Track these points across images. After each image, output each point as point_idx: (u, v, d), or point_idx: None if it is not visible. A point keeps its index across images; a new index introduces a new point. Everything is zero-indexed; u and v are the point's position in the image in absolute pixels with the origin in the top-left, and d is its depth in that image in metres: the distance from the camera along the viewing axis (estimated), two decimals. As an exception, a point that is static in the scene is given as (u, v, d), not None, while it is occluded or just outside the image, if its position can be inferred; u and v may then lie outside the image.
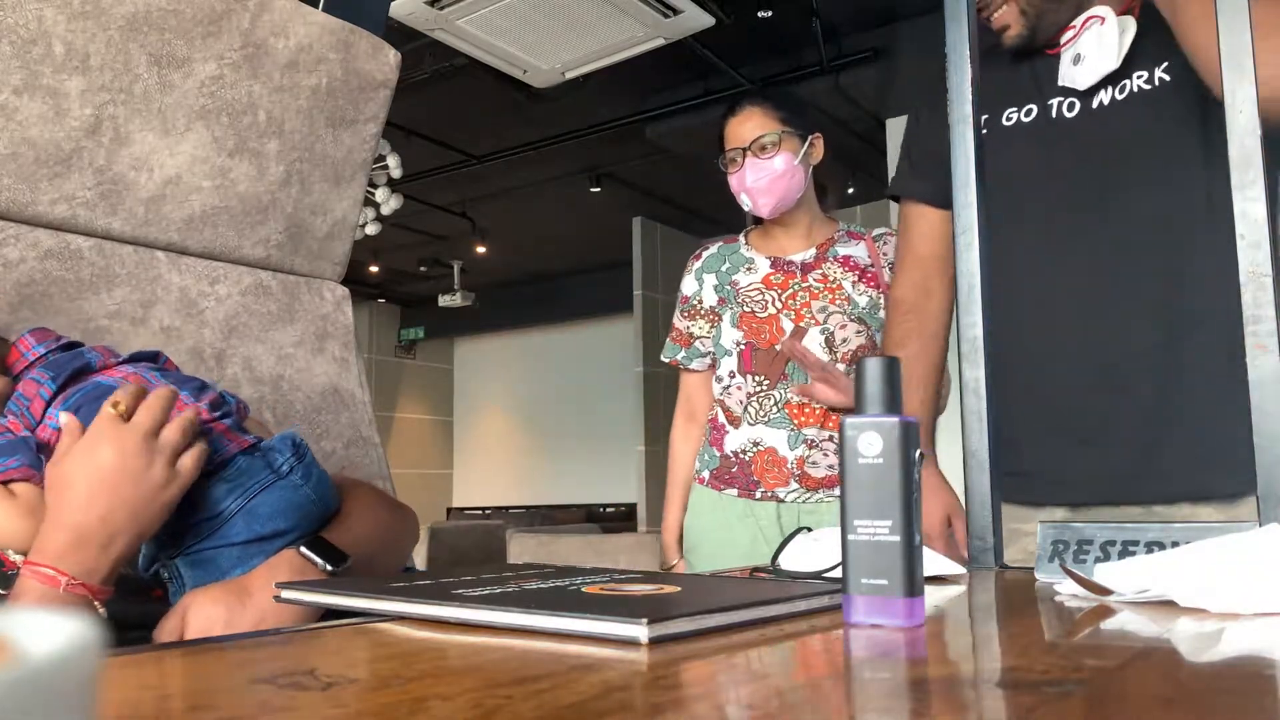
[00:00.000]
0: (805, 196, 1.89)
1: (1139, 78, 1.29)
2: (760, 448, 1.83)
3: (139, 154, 1.20)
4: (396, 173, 4.94)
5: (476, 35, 3.71)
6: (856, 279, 1.86)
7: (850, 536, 0.58)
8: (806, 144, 1.87)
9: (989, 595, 0.83)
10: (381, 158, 4.90)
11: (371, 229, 5.44)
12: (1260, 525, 0.79)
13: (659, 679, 0.43)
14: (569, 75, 4.12)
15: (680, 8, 3.61)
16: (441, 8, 3.53)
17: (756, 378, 1.84)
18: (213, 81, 1.24)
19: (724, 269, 1.94)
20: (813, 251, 1.90)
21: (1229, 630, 0.57)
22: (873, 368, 0.60)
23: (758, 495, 1.82)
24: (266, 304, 1.35)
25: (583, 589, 0.64)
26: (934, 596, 0.75)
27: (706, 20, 3.72)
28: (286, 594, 0.69)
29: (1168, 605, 0.65)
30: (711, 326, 1.93)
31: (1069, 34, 1.34)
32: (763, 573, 0.91)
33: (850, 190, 5.76)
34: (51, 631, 0.18)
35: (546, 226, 7.55)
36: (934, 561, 0.86)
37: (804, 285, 1.86)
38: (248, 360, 1.30)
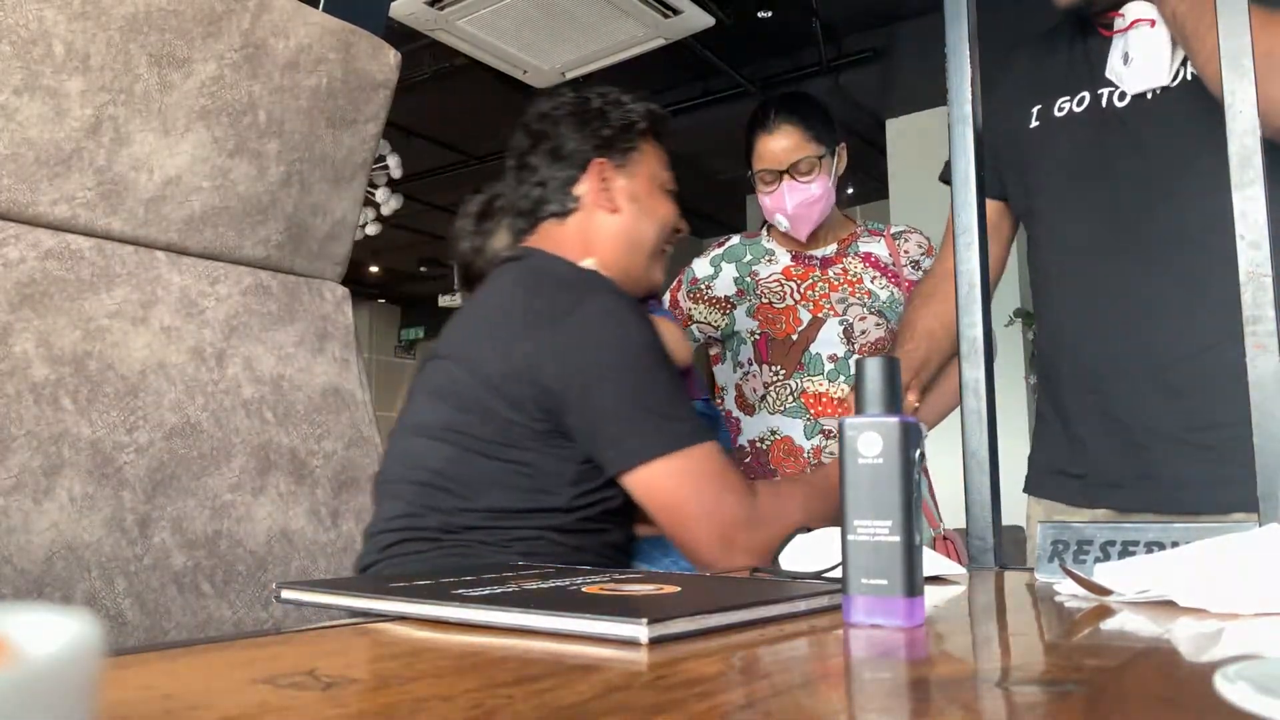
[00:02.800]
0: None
1: (1189, 65, 1.24)
2: (777, 437, 1.83)
3: (139, 154, 1.20)
4: (396, 173, 4.94)
5: (476, 35, 3.71)
6: (877, 274, 1.86)
7: (850, 536, 0.58)
8: (835, 158, 1.86)
9: (989, 595, 0.83)
10: (381, 158, 4.90)
11: (371, 229, 5.44)
12: (1260, 525, 0.79)
13: (659, 679, 0.43)
14: (569, 75, 4.11)
15: (680, 8, 3.61)
16: (441, 8, 3.52)
17: (773, 367, 1.84)
18: (213, 82, 1.24)
19: (745, 260, 1.93)
20: (834, 247, 1.90)
21: (1229, 630, 0.57)
22: (872, 367, 0.60)
23: None
24: (267, 304, 1.35)
25: (583, 589, 0.64)
26: (934, 596, 0.75)
27: (706, 20, 3.72)
28: (286, 594, 0.69)
29: (1168, 605, 0.65)
30: (722, 315, 1.92)
31: (1119, 22, 1.29)
32: (763, 573, 0.91)
33: (850, 190, 5.76)
34: (51, 632, 0.18)
35: (546, 226, 7.53)
36: (934, 561, 0.86)
37: (824, 277, 1.86)
38: (248, 360, 1.30)
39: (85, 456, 1.12)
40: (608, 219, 1.30)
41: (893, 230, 1.93)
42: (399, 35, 3.72)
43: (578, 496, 1.08)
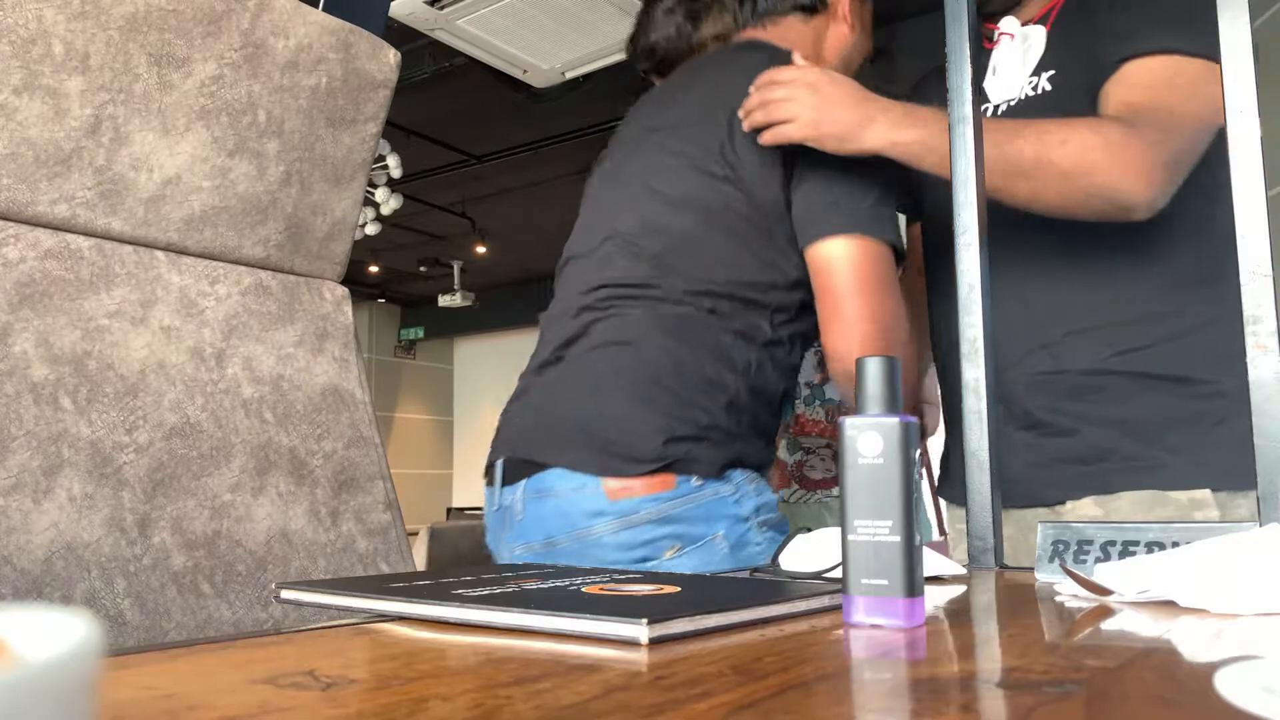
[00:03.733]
0: None
1: (1029, 84, 1.31)
2: None
3: (139, 154, 1.20)
4: (396, 173, 4.94)
5: (476, 35, 3.71)
6: None
7: (850, 536, 0.58)
8: None
9: (989, 595, 0.83)
10: (381, 158, 4.90)
11: (371, 229, 5.44)
12: (1260, 525, 0.79)
13: (659, 679, 0.43)
14: (569, 75, 4.11)
15: (680, 7, 3.60)
16: (441, 8, 3.52)
17: None
18: (213, 81, 1.24)
19: None
20: None
21: (1229, 630, 0.57)
22: (873, 367, 0.60)
23: None
24: (266, 304, 1.35)
25: (583, 589, 0.64)
26: (934, 596, 0.75)
27: (706, 20, 3.72)
28: (286, 594, 0.69)
29: (1168, 605, 0.65)
30: None
31: (995, 34, 1.35)
32: (763, 573, 0.91)
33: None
34: (51, 632, 0.18)
35: (546, 226, 7.54)
36: (934, 561, 0.86)
37: None
38: (248, 360, 1.30)
39: (85, 456, 1.12)
40: (844, 32, 1.34)
41: None
42: (399, 35, 3.72)
43: (797, 284, 1.19)
